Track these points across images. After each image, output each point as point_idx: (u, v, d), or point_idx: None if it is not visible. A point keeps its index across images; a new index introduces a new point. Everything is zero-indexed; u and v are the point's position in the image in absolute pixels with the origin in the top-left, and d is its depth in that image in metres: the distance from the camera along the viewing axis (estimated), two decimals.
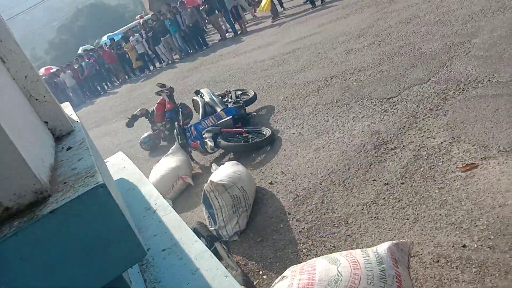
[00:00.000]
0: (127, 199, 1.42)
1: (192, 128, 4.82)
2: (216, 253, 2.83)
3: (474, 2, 5.92)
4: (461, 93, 3.77)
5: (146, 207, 1.32)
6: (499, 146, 2.86)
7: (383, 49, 5.84)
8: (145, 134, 6.50)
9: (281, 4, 14.28)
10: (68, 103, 1.89)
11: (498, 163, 2.72)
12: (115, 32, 25.62)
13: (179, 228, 1.11)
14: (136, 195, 1.45)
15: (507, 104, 3.28)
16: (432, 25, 5.86)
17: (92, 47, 25.93)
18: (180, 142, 4.89)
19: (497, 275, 2.02)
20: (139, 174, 1.61)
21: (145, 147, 6.46)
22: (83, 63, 18.00)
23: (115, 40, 18.36)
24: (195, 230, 3.28)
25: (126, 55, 17.34)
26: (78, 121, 1.29)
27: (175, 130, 5.04)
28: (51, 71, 20.84)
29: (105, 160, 2.09)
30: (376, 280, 1.85)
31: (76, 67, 18.26)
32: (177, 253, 1.00)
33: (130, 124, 6.97)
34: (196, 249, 0.99)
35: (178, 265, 0.96)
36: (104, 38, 25.71)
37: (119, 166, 1.86)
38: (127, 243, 0.70)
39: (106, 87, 19.00)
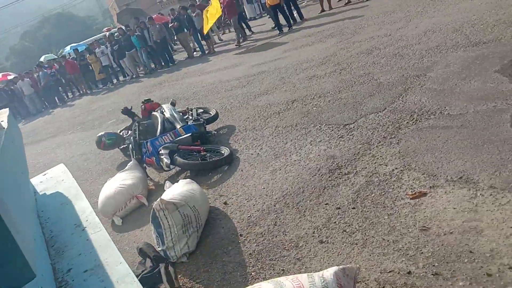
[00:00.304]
0: (58, 214, 1.33)
1: (148, 144, 4.70)
2: (159, 275, 2.72)
3: (431, 38, 6.22)
4: (414, 123, 3.90)
5: (76, 223, 1.23)
6: (446, 176, 2.95)
7: (343, 77, 6.00)
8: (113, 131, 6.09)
9: (249, 28, 14.50)
10: (7, 109, 1.78)
11: (445, 192, 2.79)
12: (80, 43, 25.12)
13: (106, 248, 1.04)
14: (69, 210, 1.36)
15: (456, 136, 3.41)
16: (391, 57, 6.09)
17: (55, 56, 25.23)
18: (135, 157, 4.75)
19: None
20: (76, 188, 1.52)
21: (104, 141, 5.84)
22: (40, 73, 17.42)
23: (79, 51, 17.97)
24: (141, 250, 3.15)
25: (90, 66, 16.97)
26: (5, 128, 1.20)
27: (130, 145, 4.90)
28: (8, 77, 20.03)
29: (44, 172, 1.98)
30: None
31: (36, 75, 17.65)
32: (99, 275, 0.93)
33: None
34: (119, 271, 0.92)
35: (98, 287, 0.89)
36: (68, 48, 25.11)
37: (58, 179, 1.75)
38: (13, 264, 0.63)
39: (66, 98, 18.45)
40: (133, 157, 4.80)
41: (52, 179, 1.77)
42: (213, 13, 12.44)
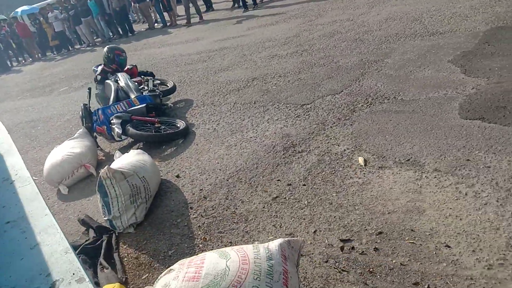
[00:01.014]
0: None
1: (100, 111, 4.51)
2: (100, 248, 2.65)
3: (391, 26, 6.34)
4: (368, 106, 3.97)
5: (5, 177, 1.14)
6: (395, 158, 3.04)
7: (304, 59, 6.01)
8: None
9: (208, 5, 14.10)
10: None
11: (393, 173, 2.88)
12: (33, 5, 23.53)
13: (33, 200, 0.97)
14: None
15: (407, 121, 3.51)
16: (351, 41, 6.16)
17: (5, 17, 23.55)
18: (85, 125, 4.55)
19: (378, 276, 2.11)
20: (10, 144, 1.41)
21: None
22: None
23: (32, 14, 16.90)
24: (82, 221, 3.04)
25: (44, 30, 16.03)
26: None
27: (80, 112, 4.68)
28: None
29: None
30: (263, 275, 1.82)
31: None
32: (21, 227, 0.86)
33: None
34: (43, 223, 0.86)
35: (18, 239, 0.82)
36: (19, 10, 23.46)
37: None
38: None
39: (17, 62, 17.38)
40: (83, 125, 4.60)
41: None
42: None
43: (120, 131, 4.26)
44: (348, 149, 3.31)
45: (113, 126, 4.32)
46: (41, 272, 0.71)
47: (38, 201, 0.96)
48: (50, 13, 15.98)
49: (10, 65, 16.87)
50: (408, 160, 2.97)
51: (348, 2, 8.98)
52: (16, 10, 25.05)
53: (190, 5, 12.42)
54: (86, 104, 4.70)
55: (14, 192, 1.03)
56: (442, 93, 3.81)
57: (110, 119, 4.41)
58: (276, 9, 10.72)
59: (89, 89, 4.95)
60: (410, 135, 3.28)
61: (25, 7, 23.08)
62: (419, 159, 2.94)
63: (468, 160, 2.79)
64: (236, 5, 12.94)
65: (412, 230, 2.34)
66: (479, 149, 2.87)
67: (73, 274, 0.68)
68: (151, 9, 14.82)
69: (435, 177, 2.71)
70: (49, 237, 0.80)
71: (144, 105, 4.64)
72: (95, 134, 4.64)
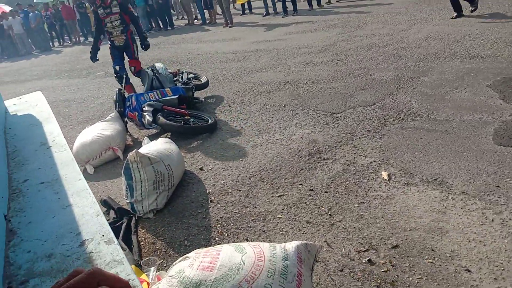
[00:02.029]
0: (26, 133, 1.29)
1: (133, 98, 4.61)
2: (119, 229, 2.70)
3: (431, 45, 6.23)
4: (399, 122, 3.91)
5: (42, 142, 1.19)
6: (422, 176, 2.98)
7: (339, 68, 5.97)
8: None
9: (247, 9, 14.27)
10: None
11: (418, 191, 2.82)
12: None
13: (67, 165, 1.00)
14: (37, 130, 1.31)
15: (438, 140, 3.43)
16: (389, 56, 6.08)
17: (52, 0, 24.36)
18: (117, 109, 4.65)
19: None
20: (49, 113, 1.47)
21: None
22: (31, 14, 16.77)
23: None
24: (104, 202, 3.10)
25: (88, 16, 16.48)
26: None
27: (114, 96, 4.79)
28: (3, 10, 19.12)
29: (20, 97, 1.93)
30: (277, 274, 1.82)
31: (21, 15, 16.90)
32: (54, 188, 0.90)
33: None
34: (76, 186, 0.89)
35: (50, 198, 0.85)
36: None
37: (32, 103, 1.71)
38: None
39: (59, 43, 17.93)
40: (115, 109, 4.70)
41: (26, 103, 1.72)
42: None
43: (150, 119, 4.34)
44: (375, 161, 3.26)
45: (145, 114, 4.41)
46: (71, 230, 0.74)
47: (72, 167, 0.99)
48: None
49: (51, 46, 17.43)
50: (436, 179, 2.91)
51: (389, 17, 8.88)
52: None
53: (229, 6, 12.54)
54: (121, 89, 4.81)
55: (51, 157, 1.07)
56: (477, 116, 3.72)
57: (142, 106, 4.50)
58: (317, 17, 10.70)
59: (125, 74, 5.06)
60: (440, 155, 3.21)
61: None
62: (447, 180, 2.87)
63: (498, 186, 2.71)
64: (266, 14, 12.87)
65: (432, 250, 2.29)
66: (511, 177, 2.78)
67: (103, 235, 0.70)
68: (192, 5, 15.04)
69: (461, 200, 2.64)
70: (81, 200, 0.83)
71: (176, 96, 4.71)
72: (126, 119, 4.74)
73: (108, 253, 0.64)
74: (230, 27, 12.03)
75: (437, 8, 8.78)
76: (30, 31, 16.80)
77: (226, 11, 12.33)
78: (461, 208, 2.57)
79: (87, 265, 0.63)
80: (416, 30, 7.35)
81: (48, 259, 0.67)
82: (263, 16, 12.77)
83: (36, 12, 16.97)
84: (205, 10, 14.15)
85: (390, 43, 6.81)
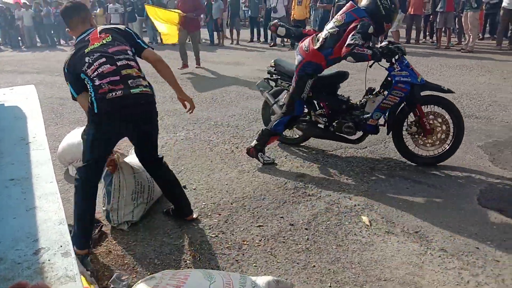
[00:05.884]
0: (9, 125, 1.25)
1: None
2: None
3: None
4: (388, 169, 3.92)
5: (23, 137, 1.15)
6: (403, 227, 2.95)
7: None
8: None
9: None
10: None
11: (398, 241, 2.79)
12: None
13: (43, 165, 0.96)
14: (20, 124, 1.28)
15: (424, 193, 3.43)
16: None
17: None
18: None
19: None
20: (37, 108, 1.43)
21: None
22: (45, 9, 16.89)
23: None
24: None
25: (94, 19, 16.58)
26: None
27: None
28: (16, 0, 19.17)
29: (11, 87, 1.90)
30: None
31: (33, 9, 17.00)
32: (23, 187, 0.85)
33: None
34: (46, 188, 0.85)
35: (16, 197, 0.81)
36: None
37: (22, 96, 1.67)
38: None
39: (64, 41, 17.96)
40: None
41: (17, 95, 1.69)
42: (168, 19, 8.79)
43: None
44: (358, 205, 3.24)
45: None
46: (29, 236, 0.70)
47: (47, 167, 0.95)
48: (111, 4, 16.44)
49: (57, 43, 17.45)
50: (417, 232, 2.88)
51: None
52: None
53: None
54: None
55: (27, 153, 1.03)
56: (465, 174, 3.74)
57: None
58: None
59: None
60: (424, 208, 3.20)
61: None
62: (427, 234, 2.85)
63: (477, 248, 2.69)
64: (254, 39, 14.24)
65: None
66: (491, 240, 2.76)
67: (61, 246, 0.66)
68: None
69: (439, 256, 2.61)
70: (47, 204, 0.79)
71: None
72: None
73: (62, 267, 0.60)
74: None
75: (439, 65, 8.98)
76: (39, 25, 16.87)
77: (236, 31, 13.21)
78: (438, 265, 2.53)
79: (37, 277, 0.58)
80: None
81: None
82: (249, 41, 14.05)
83: (49, 8, 17.07)
84: (214, 32, 14.37)
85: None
